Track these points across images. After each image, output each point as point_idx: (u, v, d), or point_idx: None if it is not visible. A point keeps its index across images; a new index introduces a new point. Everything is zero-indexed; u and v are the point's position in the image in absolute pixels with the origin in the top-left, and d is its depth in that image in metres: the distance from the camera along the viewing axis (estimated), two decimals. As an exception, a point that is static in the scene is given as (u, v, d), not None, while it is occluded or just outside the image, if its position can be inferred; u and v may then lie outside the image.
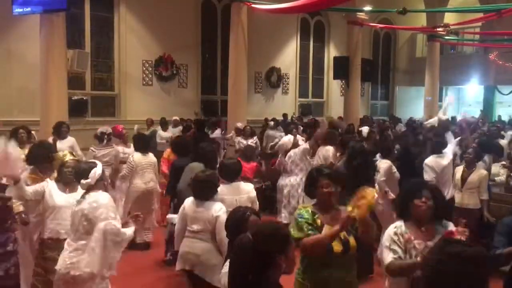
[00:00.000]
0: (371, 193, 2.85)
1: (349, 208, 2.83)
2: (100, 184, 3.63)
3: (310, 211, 3.00)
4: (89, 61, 11.53)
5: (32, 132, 6.79)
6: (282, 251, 2.11)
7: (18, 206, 4.07)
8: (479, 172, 5.97)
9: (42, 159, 4.42)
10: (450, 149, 6.49)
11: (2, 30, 10.07)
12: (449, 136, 6.88)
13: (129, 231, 3.58)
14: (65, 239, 3.69)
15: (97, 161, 3.85)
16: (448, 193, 5.95)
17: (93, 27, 11.96)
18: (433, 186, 3.15)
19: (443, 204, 3.04)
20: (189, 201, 4.02)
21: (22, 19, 9.60)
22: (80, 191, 3.76)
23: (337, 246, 2.89)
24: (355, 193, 2.89)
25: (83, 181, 3.56)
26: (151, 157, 6.52)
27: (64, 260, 3.49)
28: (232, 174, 4.53)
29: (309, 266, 2.97)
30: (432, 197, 2.91)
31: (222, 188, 4.26)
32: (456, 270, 1.78)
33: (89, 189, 3.58)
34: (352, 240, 2.96)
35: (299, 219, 2.95)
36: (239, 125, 10.01)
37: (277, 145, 7.63)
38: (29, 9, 8.37)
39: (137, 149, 6.52)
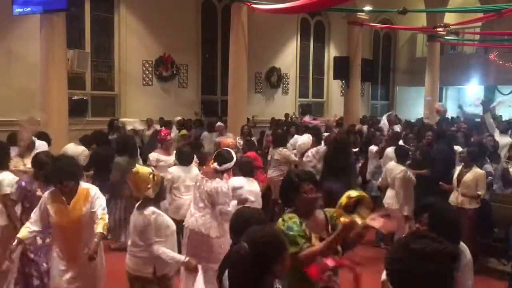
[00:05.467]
0: (367, 199, 2.73)
1: (345, 219, 2.65)
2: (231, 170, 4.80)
3: (298, 222, 2.79)
4: (89, 61, 11.53)
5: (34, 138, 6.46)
6: (279, 259, 2.00)
7: (25, 234, 3.72)
8: (475, 171, 5.93)
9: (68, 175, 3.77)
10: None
11: (2, 30, 10.07)
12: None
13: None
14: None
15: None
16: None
17: (93, 27, 11.96)
18: (437, 210, 2.79)
19: (445, 228, 2.63)
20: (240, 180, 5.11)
21: (22, 19, 9.60)
22: None
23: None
24: (350, 199, 2.75)
25: (224, 165, 4.54)
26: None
27: (197, 221, 4.52)
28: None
29: (293, 274, 2.58)
30: (431, 223, 2.66)
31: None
32: (419, 269, 1.66)
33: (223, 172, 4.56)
34: (340, 249, 2.85)
35: (290, 233, 2.71)
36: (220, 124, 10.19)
37: (297, 145, 7.61)
38: (29, 9, 8.37)
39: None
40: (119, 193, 6.29)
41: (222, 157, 4.68)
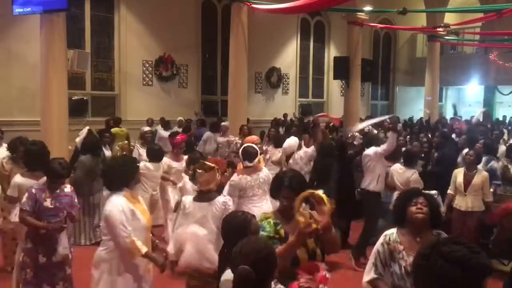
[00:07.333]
0: (324, 198, 2.57)
1: (302, 219, 2.50)
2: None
3: (272, 222, 2.73)
4: (89, 61, 11.51)
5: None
6: (276, 263, 2.10)
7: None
8: (481, 174, 5.95)
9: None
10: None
11: (2, 30, 10.07)
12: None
13: None
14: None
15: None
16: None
17: (93, 27, 11.97)
18: (428, 194, 2.94)
19: (437, 212, 2.89)
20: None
21: (22, 19, 9.59)
22: None
23: (303, 257, 2.66)
24: (305, 200, 2.58)
25: (255, 160, 4.91)
26: None
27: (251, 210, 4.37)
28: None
29: None
30: (428, 204, 2.78)
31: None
32: (442, 272, 1.57)
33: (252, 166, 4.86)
34: (318, 252, 2.73)
35: (261, 233, 2.66)
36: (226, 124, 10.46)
37: (282, 147, 7.56)
38: (29, 9, 8.35)
39: None
40: (80, 192, 5.98)
41: (249, 154, 4.98)
